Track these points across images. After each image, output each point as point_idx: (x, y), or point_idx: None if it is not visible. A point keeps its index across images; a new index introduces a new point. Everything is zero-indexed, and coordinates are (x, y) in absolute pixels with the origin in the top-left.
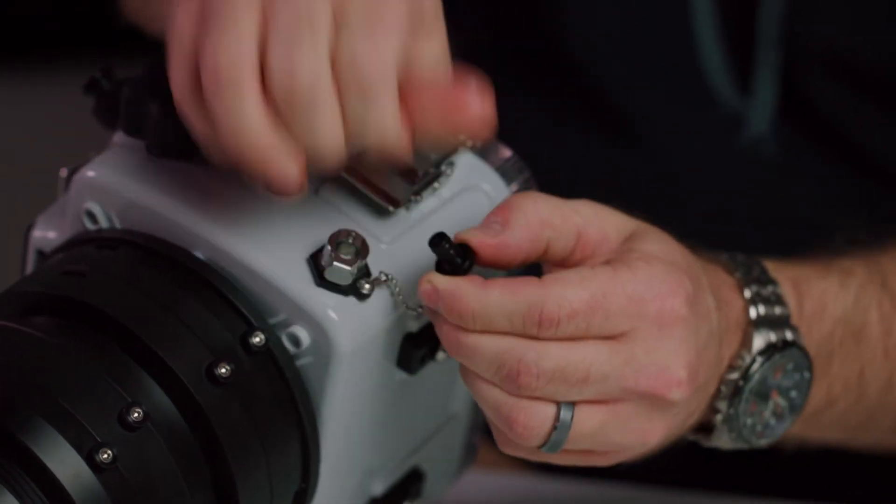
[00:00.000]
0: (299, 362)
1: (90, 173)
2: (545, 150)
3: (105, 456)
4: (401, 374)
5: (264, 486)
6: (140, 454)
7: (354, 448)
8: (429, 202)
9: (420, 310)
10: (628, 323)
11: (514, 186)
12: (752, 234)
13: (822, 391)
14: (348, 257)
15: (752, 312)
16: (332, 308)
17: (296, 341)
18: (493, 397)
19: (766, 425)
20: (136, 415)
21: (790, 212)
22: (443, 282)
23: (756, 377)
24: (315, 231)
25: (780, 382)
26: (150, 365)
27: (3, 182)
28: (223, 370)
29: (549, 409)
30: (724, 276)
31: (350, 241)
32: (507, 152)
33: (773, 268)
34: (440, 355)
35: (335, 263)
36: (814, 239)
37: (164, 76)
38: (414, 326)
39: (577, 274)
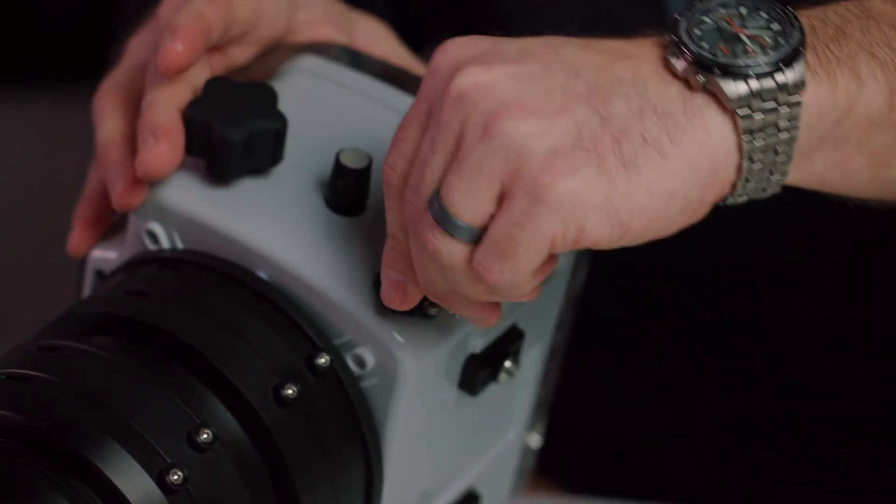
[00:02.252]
0: (363, 384)
1: (152, 193)
2: None
3: (175, 477)
4: (462, 396)
5: None
6: (209, 475)
7: (414, 470)
8: None
9: None
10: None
11: None
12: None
13: (846, 74)
14: None
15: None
16: (398, 330)
17: (361, 363)
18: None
19: (761, 51)
20: (205, 435)
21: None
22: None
23: (686, 24)
24: (377, 254)
25: (742, 25)
26: (216, 385)
27: (34, 201)
28: (290, 391)
29: (426, 213)
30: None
31: None
32: None
33: None
34: (502, 377)
35: None
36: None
37: (225, 94)
38: (477, 347)
39: None
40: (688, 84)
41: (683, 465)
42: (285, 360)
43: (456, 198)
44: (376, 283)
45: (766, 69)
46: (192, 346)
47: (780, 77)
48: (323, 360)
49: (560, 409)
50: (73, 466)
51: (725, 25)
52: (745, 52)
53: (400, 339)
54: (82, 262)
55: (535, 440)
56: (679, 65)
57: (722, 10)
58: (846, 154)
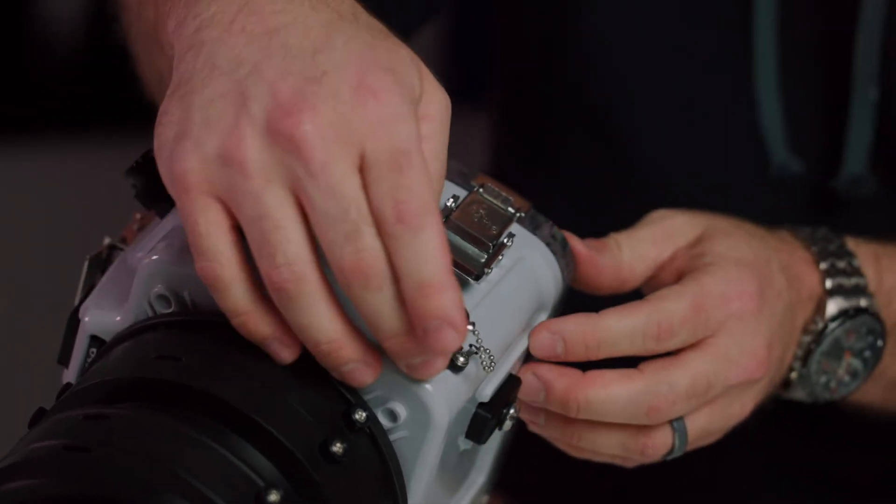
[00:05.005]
0: (393, 437)
1: (156, 257)
2: (587, 223)
3: None
4: (464, 444)
5: None
6: None
7: None
8: (494, 272)
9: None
10: (719, 321)
11: (562, 259)
12: None
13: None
14: None
15: (828, 283)
16: (430, 383)
17: (392, 416)
18: (618, 441)
19: (839, 382)
20: (273, 497)
21: None
22: (563, 322)
23: (828, 340)
24: None
25: (853, 344)
26: (265, 445)
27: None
28: (336, 447)
29: (668, 430)
30: (799, 252)
31: None
32: (552, 226)
33: (854, 243)
34: (507, 424)
35: None
36: None
37: None
38: (486, 395)
39: (670, 289)
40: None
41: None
42: (326, 416)
43: (696, 435)
44: None
45: (832, 397)
46: (236, 408)
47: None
48: (359, 415)
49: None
50: None
51: (844, 340)
52: (836, 374)
53: (434, 392)
54: (70, 324)
55: (485, 499)
56: (795, 363)
57: (848, 324)
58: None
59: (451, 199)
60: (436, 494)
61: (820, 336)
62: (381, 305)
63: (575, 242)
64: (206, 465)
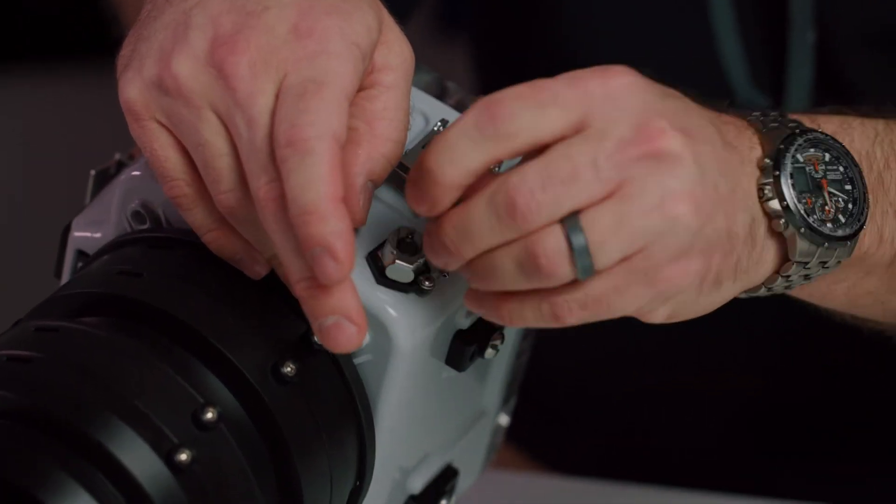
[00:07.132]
0: (356, 360)
1: (137, 173)
2: None
3: (184, 457)
4: (447, 371)
5: (326, 485)
6: (215, 455)
7: (401, 446)
8: None
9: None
10: (579, 102)
11: None
12: None
13: (872, 227)
14: (409, 255)
15: (762, 129)
16: (392, 306)
17: None
18: (506, 256)
19: (834, 219)
20: (210, 415)
21: None
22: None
23: (789, 162)
24: (372, 228)
25: (825, 174)
26: (215, 364)
27: (26, 180)
28: (288, 369)
29: (556, 229)
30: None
31: (411, 237)
32: None
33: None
34: (489, 352)
35: (397, 262)
36: None
37: None
38: (464, 323)
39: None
40: (768, 217)
41: (667, 444)
42: (282, 337)
43: (605, 239)
44: (370, 259)
45: (839, 236)
46: (190, 326)
47: (847, 242)
48: None
49: (542, 386)
50: (80, 448)
51: (812, 171)
52: (824, 210)
53: (396, 315)
54: (62, 241)
55: (505, 420)
56: (773, 205)
57: (812, 151)
58: (834, 279)
59: (440, 123)
60: (426, 419)
61: (777, 162)
62: (286, 240)
63: None
64: (145, 382)
